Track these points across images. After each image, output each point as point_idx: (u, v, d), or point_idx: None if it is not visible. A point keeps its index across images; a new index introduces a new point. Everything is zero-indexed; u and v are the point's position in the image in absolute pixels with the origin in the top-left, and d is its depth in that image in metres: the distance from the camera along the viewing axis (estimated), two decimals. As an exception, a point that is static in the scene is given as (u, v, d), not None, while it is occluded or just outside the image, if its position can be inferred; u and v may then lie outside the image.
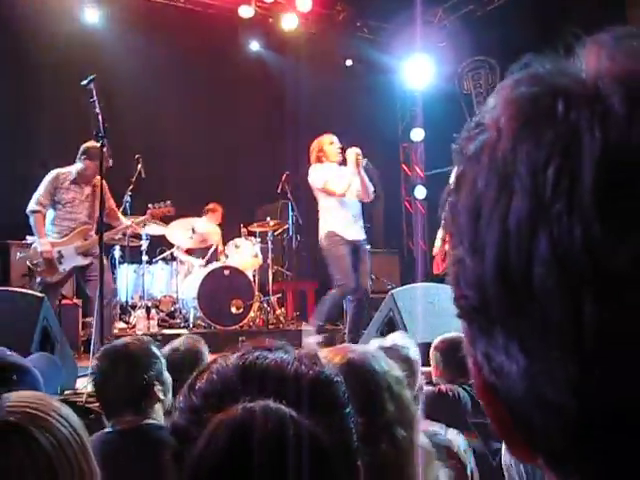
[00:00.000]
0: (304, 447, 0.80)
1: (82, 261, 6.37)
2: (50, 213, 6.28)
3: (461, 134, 0.50)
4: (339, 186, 6.44)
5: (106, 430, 2.36)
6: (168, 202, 7.12)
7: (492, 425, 0.50)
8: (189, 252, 8.83)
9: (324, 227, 6.60)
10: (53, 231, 6.28)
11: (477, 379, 0.49)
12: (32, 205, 6.23)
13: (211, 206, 8.91)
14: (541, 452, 0.45)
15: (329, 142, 6.73)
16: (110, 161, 6.39)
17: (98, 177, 6.34)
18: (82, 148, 6.27)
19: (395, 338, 3.00)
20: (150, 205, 7.08)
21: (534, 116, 0.43)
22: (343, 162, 6.56)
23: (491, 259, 0.42)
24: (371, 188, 6.63)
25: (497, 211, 0.42)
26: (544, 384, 0.41)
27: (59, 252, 6.22)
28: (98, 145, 6.00)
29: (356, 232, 6.59)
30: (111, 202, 6.59)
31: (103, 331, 5.52)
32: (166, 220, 7.90)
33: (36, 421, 1.14)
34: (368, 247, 6.81)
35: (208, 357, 3.07)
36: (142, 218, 7.15)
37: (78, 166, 6.29)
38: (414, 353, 2.85)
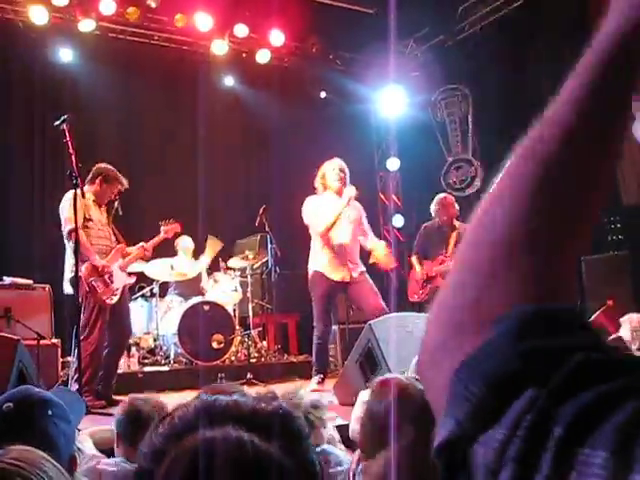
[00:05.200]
0: (266, 470, 0.80)
1: (128, 279, 6.27)
2: (82, 235, 5.87)
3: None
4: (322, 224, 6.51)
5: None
6: (172, 220, 6.91)
7: None
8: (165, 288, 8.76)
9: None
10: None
11: None
12: (66, 228, 5.85)
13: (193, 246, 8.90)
14: None
15: (331, 168, 6.66)
16: (119, 210, 6.42)
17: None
18: (95, 170, 6.04)
19: None
20: (161, 222, 6.83)
21: None
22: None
23: None
24: None
25: None
26: None
27: (109, 271, 5.98)
28: (112, 169, 6.17)
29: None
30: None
31: (85, 372, 5.44)
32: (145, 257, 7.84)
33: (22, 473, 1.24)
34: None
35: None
36: (158, 237, 6.73)
37: (92, 188, 6.03)
38: None
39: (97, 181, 6.06)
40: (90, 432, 3.61)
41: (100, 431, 3.72)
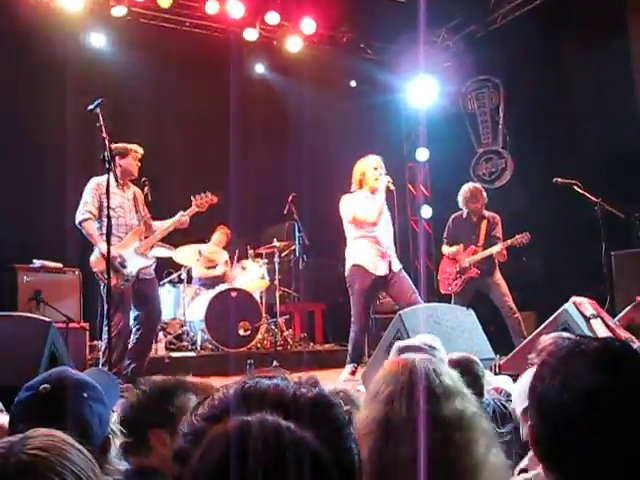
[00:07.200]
0: (302, 455, 0.80)
1: (145, 262, 6.26)
2: (90, 224, 6.01)
3: None
4: (370, 214, 6.44)
5: None
6: (208, 193, 6.68)
7: None
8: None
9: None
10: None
11: None
12: (80, 215, 6.01)
13: (218, 230, 8.94)
14: None
15: (373, 167, 6.61)
16: (149, 196, 6.44)
17: (132, 185, 6.40)
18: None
19: (424, 339, 2.95)
20: (192, 197, 6.59)
21: None
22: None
23: None
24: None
25: None
26: None
27: (120, 256, 5.98)
28: (126, 145, 6.21)
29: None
30: (146, 210, 6.48)
31: (111, 354, 5.53)
32: (174, 243, 7.87)
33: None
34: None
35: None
36: (188, 210, 6.51)
37: (115, 170, 5.85)
38: (442, 354, 2.80)
39: (115, 162, 5.91)
40: None
41: None
